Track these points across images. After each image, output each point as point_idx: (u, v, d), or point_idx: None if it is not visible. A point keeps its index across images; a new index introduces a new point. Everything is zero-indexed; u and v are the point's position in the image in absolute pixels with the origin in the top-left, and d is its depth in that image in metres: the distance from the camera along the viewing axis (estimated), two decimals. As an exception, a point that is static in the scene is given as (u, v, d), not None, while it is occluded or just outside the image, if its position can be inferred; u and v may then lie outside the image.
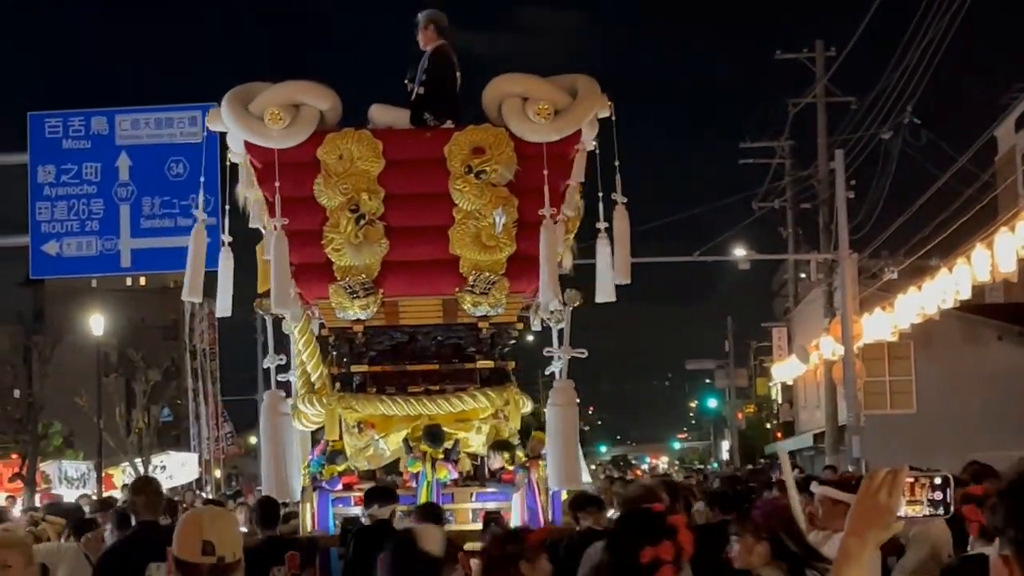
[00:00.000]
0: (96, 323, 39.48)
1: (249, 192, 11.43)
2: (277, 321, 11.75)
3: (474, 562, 10.06)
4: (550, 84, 11.13)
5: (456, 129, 11.10)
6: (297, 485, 11.23)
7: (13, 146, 23.06)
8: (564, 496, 11.25)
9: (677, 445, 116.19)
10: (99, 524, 11.33)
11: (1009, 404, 32.02)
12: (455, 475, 10.96)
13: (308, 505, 11.12)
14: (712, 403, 79.26)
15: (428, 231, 11.09)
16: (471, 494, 11.08)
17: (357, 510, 10.70)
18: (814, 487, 8.17)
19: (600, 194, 11.46)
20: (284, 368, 11.82)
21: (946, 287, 24.44)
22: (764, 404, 62.10)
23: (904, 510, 2.95)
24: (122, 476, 38.27)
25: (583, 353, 11.24)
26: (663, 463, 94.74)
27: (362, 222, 10.93)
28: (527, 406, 11.84)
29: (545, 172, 10.65)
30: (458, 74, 11.67)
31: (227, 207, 11.58)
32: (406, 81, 11.74)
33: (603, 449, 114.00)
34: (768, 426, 59.15)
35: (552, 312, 11.53)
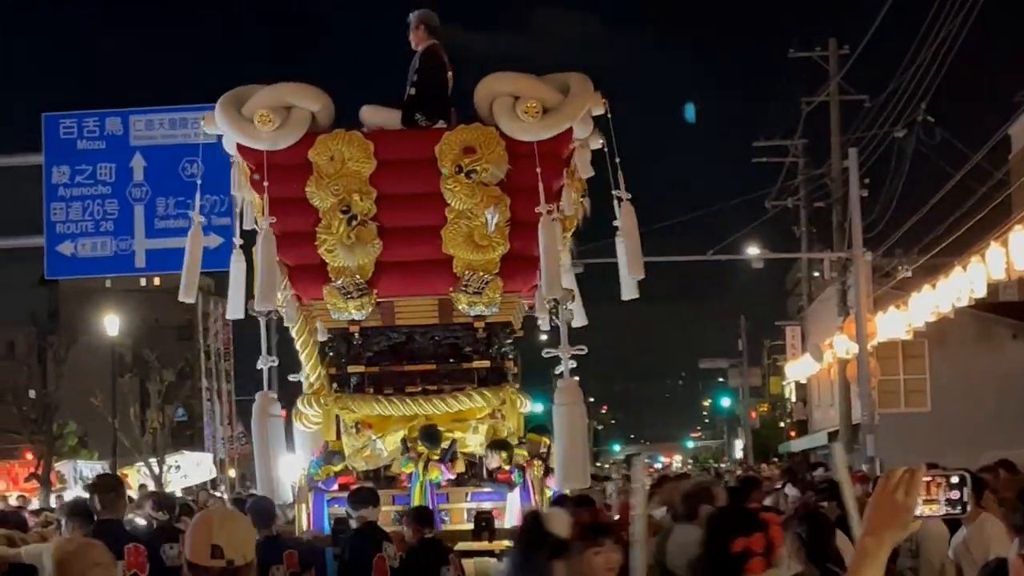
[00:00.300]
0: (111, 323, 39.56)
1: (244, 194, 11.49)
2: (274, 323, 11.80)
3: (466, 562, 10.10)
4: (541, 82, 11.09)
5: (447, 129, 11.09)
6: (286, 486, 11.25)
7: (28, 147, 23.10)
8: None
9: (691, 444, 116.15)
10: None
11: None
12: (448, 476, 10.95)
13: (304, 506, 11.16)
14: (726, 402, 79.20)
15: (421, 231, 11.09)
16: (466, 494, 11.06)
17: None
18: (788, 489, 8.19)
19: (614, 192, 11.48)
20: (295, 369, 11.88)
21: (960, 285, 24.36)
22: (778, 403, 62.00)
23: (921, 509, 2.95)
24: (137, 476, 38.30)
25: (583, 350, 11.22)
26: (677, 462, 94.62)
27: (354, 223, 10.96)
28: (526, 406, 11.84)
29: (538, 170, 10.62)
30: (450, 74, 11.66)
31: (239, 209, 11.63)
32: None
33: (616, 448, 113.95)
34: (782, 425, 59.06)
35: (563, 309, 11.53)
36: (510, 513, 10.81)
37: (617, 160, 11.25)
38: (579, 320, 12.01)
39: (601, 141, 11.51)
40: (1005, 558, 6.90)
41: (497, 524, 10.71)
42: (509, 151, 10.89)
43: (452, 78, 11.71)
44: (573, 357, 11.38)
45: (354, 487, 10.51)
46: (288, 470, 11.51)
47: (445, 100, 11.56)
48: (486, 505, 10.90)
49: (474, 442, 11.31)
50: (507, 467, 10.94)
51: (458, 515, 10.90)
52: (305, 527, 11.01)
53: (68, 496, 30.54)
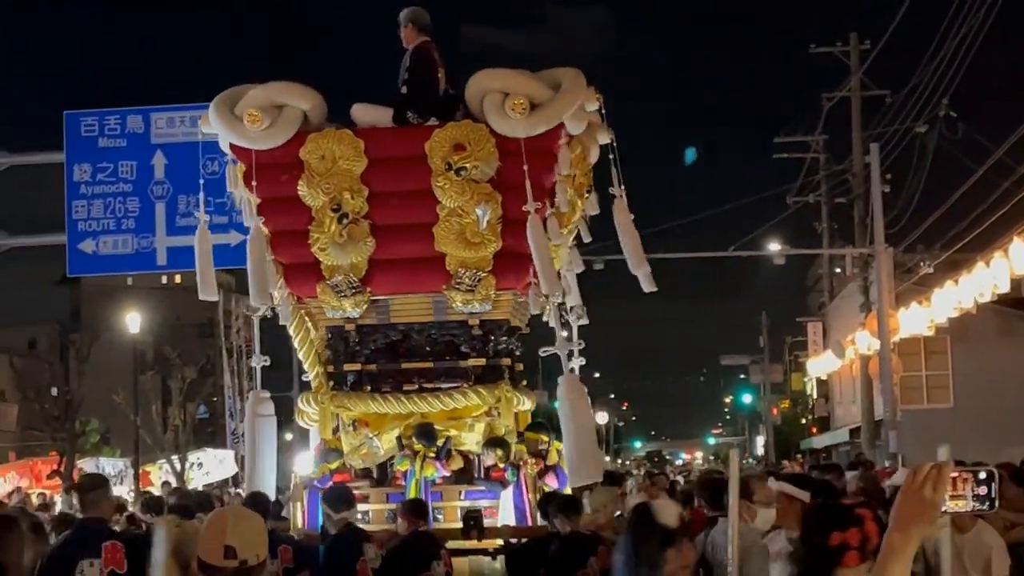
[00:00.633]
0: (132, 321, 39.68)
1: (240, 192, 11.53)
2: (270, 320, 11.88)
3: (461, 561, 10.05)
4: (531, 79, 11.02)
5: (439, 126, 11.05)
6: (271, 483, 11.30)
7: (48, 145, 23.17)
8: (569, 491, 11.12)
9: (712, 440, 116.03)
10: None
11: (1047, 398, 31.82)
12: (443, 473, 10.94)
13: (299, 503, 11.17)
14: (747, 398, 79.08)
15: (413, 229, 11.08)
16: (460, 492, 11.04)
17: None
18: (771, 482, 8.07)
19: (610, 190, 11.49)
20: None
21: (983, 281, 24.25)
22: (799, 399, 61.87)
23: (947, 505, 2.93)
24: (159, 473, 38.42)
25: (580, 344, 11.24)
26: (698, 458, 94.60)
27: (345, 221, 10.97)
28: (524, 403, 11.78)
29: (525, 167, 10.58)
30: (442, 71, 11.60)
31: (239, 208, 11.73)
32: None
33: (637, 445, 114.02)
34: (803, 421, 58.93)
35: (553, 305, 11.50)
36: (503, 511, 10.80)
37: (611, 156, 11.23)
38: (578, 317, 12.03)
39: (610, 136, 11.50)
40: None
41: (491, 522, 10.65)
42: (500, 148, 10.85)
43: (444, 75, 11.64)
44: (581, 353, 11.39)
45: (329, 486, 10.49)
46: (272, 467, 11.52)
47: (437, 97, 11.49)
48: (482, 503, 10.86)
49: (470, 440, 11.30)
50: (502, 465, 10.91)
51: (452, 513, 10.86)
52: (300, 524, 11.01)
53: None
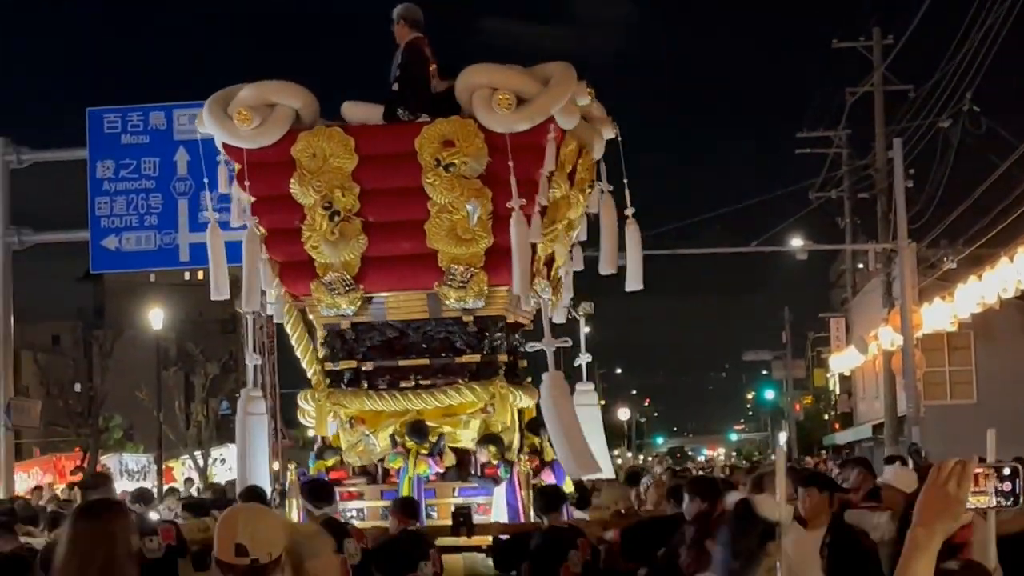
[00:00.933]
0: (155, 317, 39.77)
1: (233, 191, 11.58)
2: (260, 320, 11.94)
3: (455, 558, 10.00)
4: (520, 74, 10.99)
5: (429, 122, 11.03)
6: (263, 482, 11.32)
7: (71, 142, 23.24)
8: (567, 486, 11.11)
9: (734, 437, 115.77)
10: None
11: (1071, 394, 31.66)
12: (436, 470, 10.93)
13: (294, 500, 11.15)
14: (769, 394, 78.83)
15: (405, 226, 11.09)
16: (453, 489, 11.03)
17: (344, 505, 10.71)
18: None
19: (625, 181, 11.45)
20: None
21: (1007, 276, 24.16)
22: (822, 395, 61.69)
23: (971, 501, 2.91)
24: (182, 469, 38.57)
25: (567, 342, 11.28)
26: (720, 455, 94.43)
27: (336, 219, 10.99)
28: (520, 400, 11.75)
29: (510, 163, 10.55)
30: (433, 67, 11.56)
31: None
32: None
33: (660, 441, 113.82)
34: (826, 417, 58.77)
35: (544, 303, 11.46)
36: (496, 508, 10.78)
37: (601, 156, 11.24)
38: (559, 316, 11.94)
39: (615, 131, 11.47)
40: None
41: (484, 519, 10.63)
42: (489, 144, 10.82)
43: (436, 72, 11.60)
44: (588, 350, 11.41)
45: (306, 480, 10.46)
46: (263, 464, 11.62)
47: (428, 94, 11.46)
48: (478, 499, 10.85)
49: (466, 437, 11.29)
50: (495, 462, 10.90)
51: (445, 510, 10.81)
52: (296, 520, 11.01)
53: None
